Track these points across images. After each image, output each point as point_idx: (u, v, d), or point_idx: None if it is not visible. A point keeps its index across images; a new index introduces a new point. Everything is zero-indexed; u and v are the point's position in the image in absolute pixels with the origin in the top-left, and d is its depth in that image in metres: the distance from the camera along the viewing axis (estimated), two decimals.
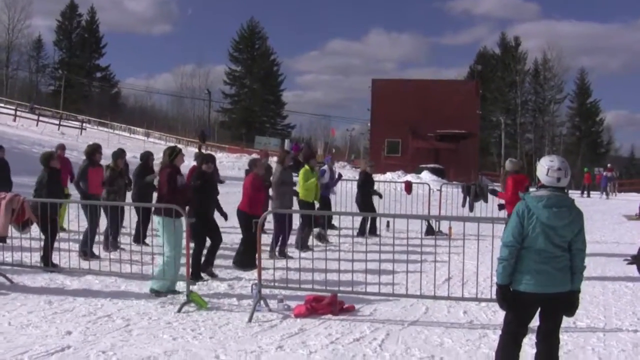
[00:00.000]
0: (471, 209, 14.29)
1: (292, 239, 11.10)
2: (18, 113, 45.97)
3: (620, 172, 48.15)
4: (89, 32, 79.42)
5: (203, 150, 35.43)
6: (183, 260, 7.59)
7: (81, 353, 5.41)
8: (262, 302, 6.98)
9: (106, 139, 36.06)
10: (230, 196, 13.41)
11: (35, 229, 8.94)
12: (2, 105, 50.30)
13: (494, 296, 5.35)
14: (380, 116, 46.04)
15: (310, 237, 11.18)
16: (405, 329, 6.43)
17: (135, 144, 40.68)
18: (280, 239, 10.51)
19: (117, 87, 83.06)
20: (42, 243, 8.99)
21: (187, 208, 8.01)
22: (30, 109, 51.90)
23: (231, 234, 11.36)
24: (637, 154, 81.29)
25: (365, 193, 13.59)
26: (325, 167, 13.65)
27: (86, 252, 9.51)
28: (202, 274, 8.63)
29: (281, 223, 10.34)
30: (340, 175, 13.98)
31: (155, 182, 10.14)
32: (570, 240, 4.40)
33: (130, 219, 10.80)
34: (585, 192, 33.42)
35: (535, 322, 4.56)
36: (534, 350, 4.61)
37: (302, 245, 10.74)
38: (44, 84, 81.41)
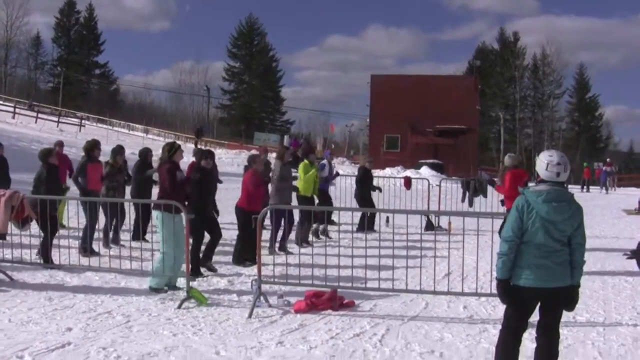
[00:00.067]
0: (470, 204, 14.30)
1: (292, 235, 11.10)
2: (17, 110, 45.92)
3: (619, 167, 48.18)
4: (87, 29, 79.32)
5: (199, 146, 35.36)
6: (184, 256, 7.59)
7: (81, 349, 5.41)
8: (262, 297, 6.98)
9: (105, 135, 36.04)
10: (230, 192, 13.41)
11: (34, 226, 8.93)
12: (1, 102, 50.28)
13: (493, 291, 5.36)
14: (379, 112, 46.03)
15: (310, 233, 11.19)
16: (405, 324, 6.44)
17: (134, 140, 40.66)
18: (282, 233, 10.52)
19: (115, 83, 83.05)
20: (41, 239, 8.98)
21: (186, 204, 8.01)
22: (29, 106, 51.84)
23: (230, 230, 11.35)
24: (636, 149, 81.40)
25: (364, 188, 13.59)
26: (325, 161, 13.65)
27: (86, 248, 9.51)
28: (202, 270, 8.64)
29: (280, 219, 10.35)
30: (337, 173, 14.02)
31: (155, 177, 10.14)
32: (570, 235, 4.40)
33: (130, 215, 10.80)
34: (585, 187, 33.42)
35: (535, 317, 4.56)
36: (534, 345, 4.61)
37: (302, 241, 10.75)
38: (43, 81, 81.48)
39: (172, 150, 8.05)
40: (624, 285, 8.54)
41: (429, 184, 15.84)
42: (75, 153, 20.09)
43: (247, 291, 7.57)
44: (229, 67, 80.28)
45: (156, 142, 37.21)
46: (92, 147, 10.28)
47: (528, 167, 27.71)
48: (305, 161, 11.66)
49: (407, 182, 16.57)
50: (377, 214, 13.33)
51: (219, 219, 9.79)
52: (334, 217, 13.65)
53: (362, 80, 72.81)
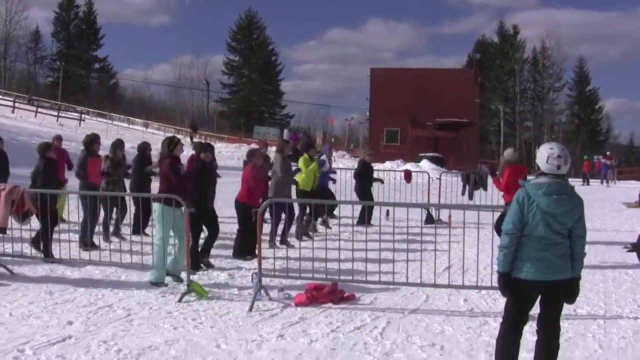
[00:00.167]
0: (471, 197, 14.31)
1: (292, 228, 11.10)
2: (16, 104, 45.84)
3: (619, 160, 48.19)
4: (86, 23, 79.10)
5: (195, 140, 35.35)
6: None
7: (82, 343, 5.42)
8: (262, 291, 6.98)
9: (105, 129, 35.98)
10: (229, 186, 13.40)
11: (35, 220, 8.93)
12: (1, 97, 50.13)
13: (494, 284, 5.36)
14: (379, 105, 45.91)
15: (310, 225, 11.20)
16: (405, 317, 6.44)
17: (134, 134, 40.62)
18: (283, 227, 10.52)
19: (115, 78, 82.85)
20: (40, 231, 8.99)
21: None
22: (29, 100, 51.78)
23: (230, 224, 11.35)
24: (636, 142, 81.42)
25: (365, 182, 13.59)
26: (324, 156, 13.65)
27: (86, 242, 9.52)
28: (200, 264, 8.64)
29: (281, 212, 10.34)
30: (334, 171, 14.03)
31: (155, 171, 10.12)
32: (571, 228, 4.40)
33: (130, 210, 10.79)
34: (585, 180, 33.42)
35: (536, 310, 4.56)
36: (535, 338, 4.61)
37: (302, 234, 10.75)
38: (42, 75, 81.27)
39: (172, 145, 8.05)
40: (625, 278, 8.55)
41: (429, 177, 15.83)
42: (75, 147, 20.06)
43: (247, 284, 7.58)
44: (229, 60, 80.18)
45: (156, 136, 37.24)
46: (92, 141, 10.28)
47: (528, 161, 27.75)
48: (305, 155, 11.63)
49: (407, 175, 16.57)
50: (376, 208, 13.35)
51: (226, 213, 9.75)
52: (335, 211, 13.66)
53: (362, 73, 72.75)
